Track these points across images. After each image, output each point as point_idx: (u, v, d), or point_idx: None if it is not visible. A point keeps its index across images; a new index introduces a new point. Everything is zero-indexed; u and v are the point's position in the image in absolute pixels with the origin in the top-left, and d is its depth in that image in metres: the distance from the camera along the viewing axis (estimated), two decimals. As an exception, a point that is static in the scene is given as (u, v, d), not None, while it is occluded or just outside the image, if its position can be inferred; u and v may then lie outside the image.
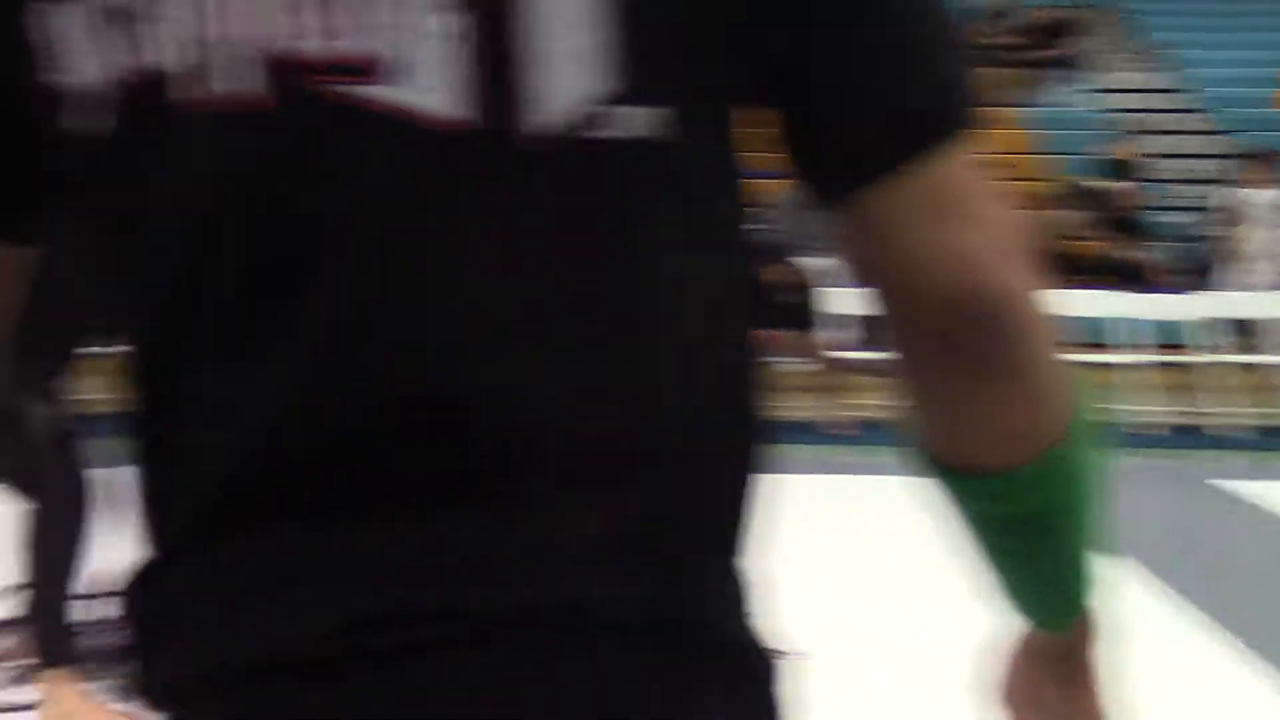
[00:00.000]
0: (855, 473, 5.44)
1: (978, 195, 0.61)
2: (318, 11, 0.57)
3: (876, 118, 0.61)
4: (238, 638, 0.60)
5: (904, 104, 0.61)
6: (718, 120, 0.61)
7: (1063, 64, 10.22)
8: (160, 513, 0.64)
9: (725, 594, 0.64)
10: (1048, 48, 10.21)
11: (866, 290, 0.64)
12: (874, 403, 6.40)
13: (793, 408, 6.55)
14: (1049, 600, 0.76)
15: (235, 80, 0.58)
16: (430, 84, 0.57)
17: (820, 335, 6.79)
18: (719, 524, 0.65)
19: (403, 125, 0.57)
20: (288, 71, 0.57)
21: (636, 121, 0.57)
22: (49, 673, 2.61)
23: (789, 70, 0.60)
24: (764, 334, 0.67)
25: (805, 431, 6.51)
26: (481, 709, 0.58)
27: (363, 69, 0.57)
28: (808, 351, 6.74)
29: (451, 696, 0.58)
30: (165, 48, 0.58)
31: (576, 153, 0.57)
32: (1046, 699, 0.80)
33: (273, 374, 0.59)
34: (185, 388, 0.61)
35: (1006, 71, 9.04)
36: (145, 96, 0.59)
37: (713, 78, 0.60)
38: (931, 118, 0.61)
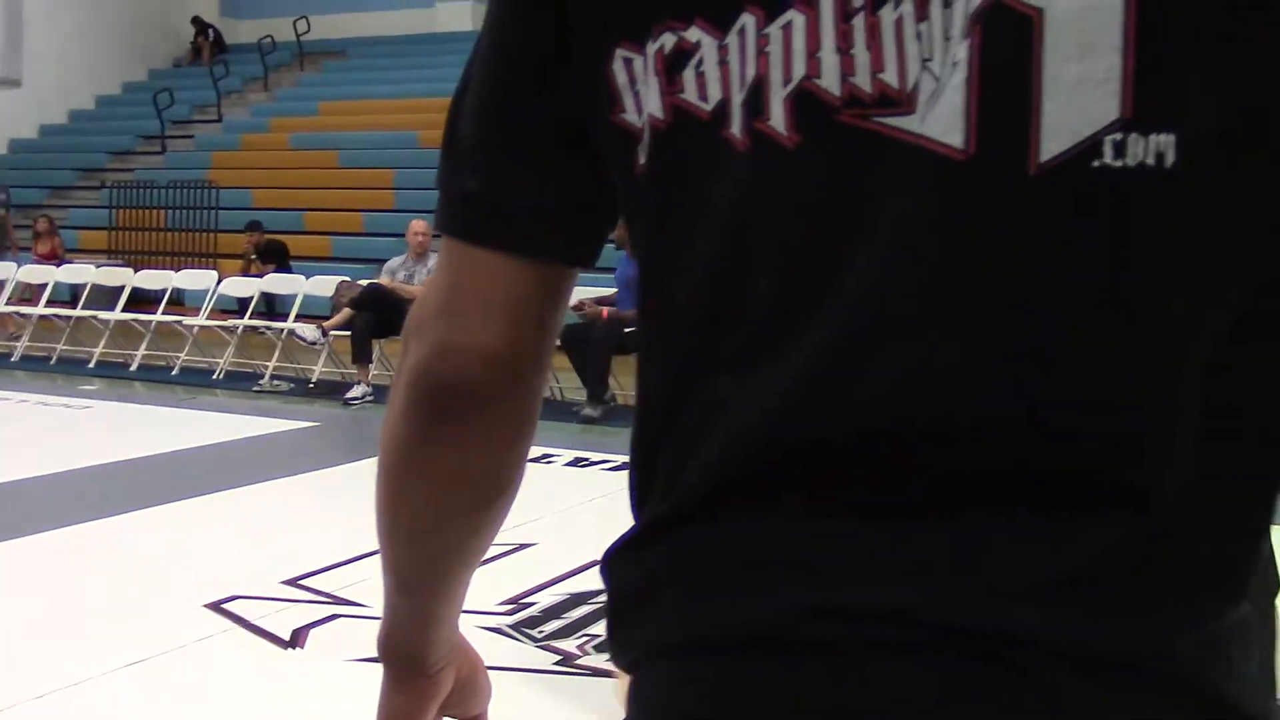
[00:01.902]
0: None
1: None
2: (852, 51, 0.60)
3: None
4: (706, 613, 0.65)
5: None
6: (1251, 143, 0.58)
7: None
8: (653, 493, 0.69)
9: (1214, 644, 0.61)
10: None
11: None
12: None
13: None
14: None
15: (768, 116, 0.62)
16: (946, 114, 0.58)
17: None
18: (1220, 571, 0.62)
19: (924, 154, 0.59)
20: (819, 107, 0.61)
21: (1146, 149, 0.56)
22: None
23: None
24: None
25: None
26: (905, 714, 0.60)
27: (899, 102, 0.59)
28: None
29: (878, 698, 0.60)
30: (706, 88, 0.64)
31: (1088, 182, 0.57)
32: None
33: (780, 380, 0.63)
34: (703, 387, 0.66)
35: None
36: (687, 133, 0.65)
37: (1248, 98, 0.57)
38: None
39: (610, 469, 5.77)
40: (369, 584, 3.78)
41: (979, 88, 0.57)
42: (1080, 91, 0.56)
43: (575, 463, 5.97)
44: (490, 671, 0.94)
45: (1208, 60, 0.56)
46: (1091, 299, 0.58)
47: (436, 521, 0.80)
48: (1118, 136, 0.56)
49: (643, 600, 0.69)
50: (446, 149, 0.76)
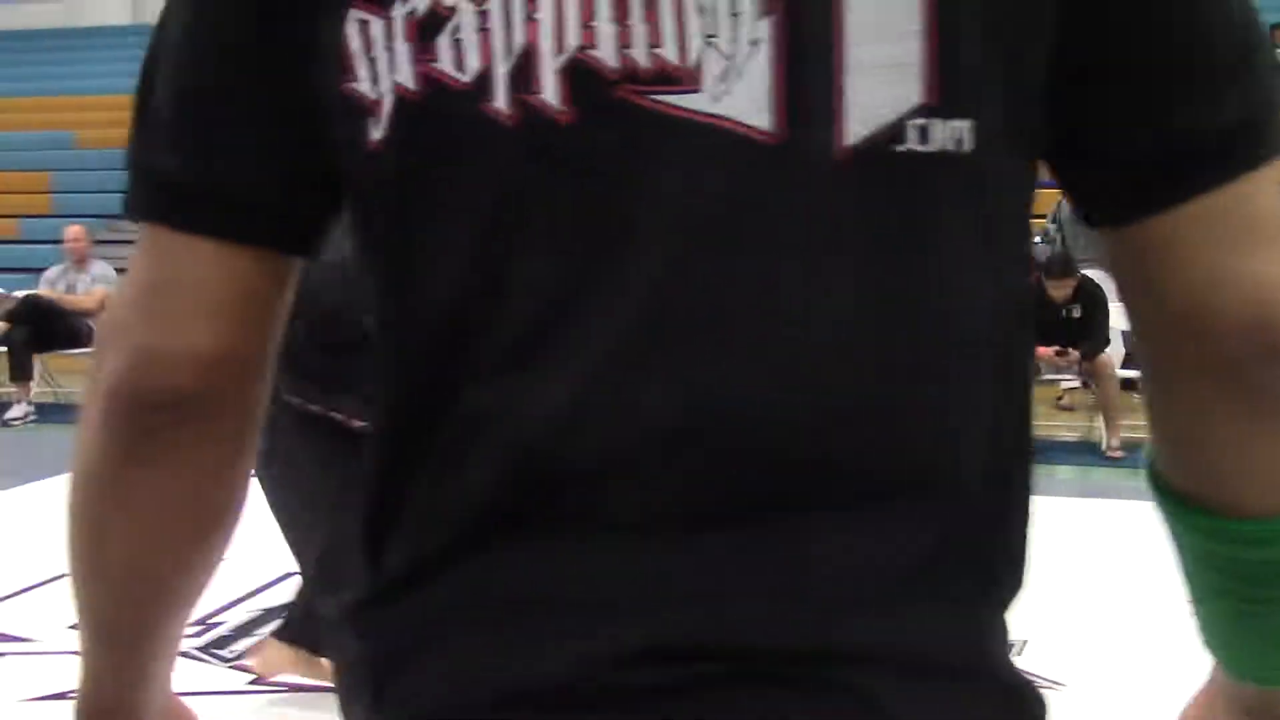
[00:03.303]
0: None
1: None
2: (629, 22, 0.56)
3: (1185, 137, 0.58)
4: (490, 667, 0.58)
5: (1216, 122, 0.58)
6: (1020, 133, 0.59)
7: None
8: (399, 529, 0.62)
9: (1004, 631, 0.62)
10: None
11: (1136, 316, 0.62)
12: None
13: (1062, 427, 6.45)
14: (1270, 653, 0.71)
15: (538, 90, 0.57)
16: (748, 96, 0.56)
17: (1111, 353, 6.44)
18: (1009, 555, 0.62)
19: (721, 136, 0.56)
20: (595, 82, 0.57)
21: (946, 134, 0.56)
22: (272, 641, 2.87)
23: (1088, 81, 0.59)
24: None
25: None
26: None
27: (680, 79, 0.56)
28: (1085, 370, 6.49)
29: None
30: (464, 56, 0.58)
31: (888, 166, 0.56)
32: None
33: (560, 387, 0.57)
34: (461, 400, 0.59)
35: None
36: (441, 105, 0.58)
37: (1020, 89, 0.58)
38: (1245, 138, 0.58)
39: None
40: (38, 617, 3.55)
41: (786, 68, 0.56)
42: (883, 75, 0.56)
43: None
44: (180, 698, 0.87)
45: (991, 51, 0.57)
46: (899, 287, 0.57)
47: (146, 559, 0.69)
48: (920, 121, 0.56)
49: (412, 659, 0.61)
50: (138, 124, 0.66)
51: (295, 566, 2.67)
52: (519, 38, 0.57)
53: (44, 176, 12.84)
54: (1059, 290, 6.45)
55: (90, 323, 7.24)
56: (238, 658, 3.32)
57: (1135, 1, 0.58)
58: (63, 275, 8.03)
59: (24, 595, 3.76)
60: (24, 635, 3.45)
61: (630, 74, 0.57)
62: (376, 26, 0.59)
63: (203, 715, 0.82)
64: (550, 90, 0.57)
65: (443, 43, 0.58)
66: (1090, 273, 7.05)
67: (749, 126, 0.56)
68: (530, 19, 0.57)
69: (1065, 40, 0.58)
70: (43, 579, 3.90)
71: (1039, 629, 3.60)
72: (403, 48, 0.59)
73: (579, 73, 0.57)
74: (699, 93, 0.56)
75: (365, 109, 0.60)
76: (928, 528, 0.59)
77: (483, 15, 0.57)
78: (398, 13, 0.59)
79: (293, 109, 0.62)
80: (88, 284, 7.80)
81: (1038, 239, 8.47)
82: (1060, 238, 8.27)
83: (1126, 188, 0.60)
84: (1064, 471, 6.30)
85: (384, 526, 0.63)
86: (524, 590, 0.59)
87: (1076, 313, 6.49)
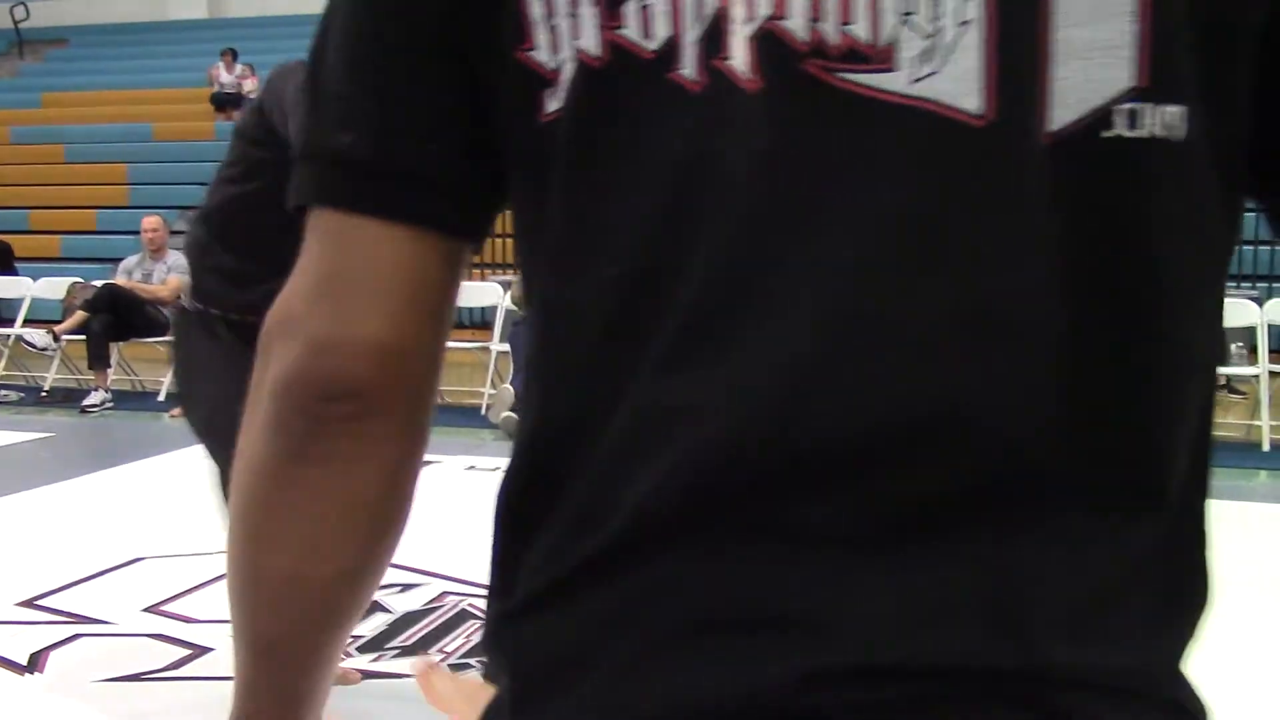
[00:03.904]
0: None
1: None
2: None
3: None
4: (661, 690, 0.54)
5: None
6: (1229, 122, 0.57)
7: None
8: (551, 531, 0.58)
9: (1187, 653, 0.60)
10: None
11: None
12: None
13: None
14: None
15: (727, 55, 0.55)
16: (952, 76, 0.53)
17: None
18: (1201, 572, 0.60)
19: (921, 118, 0.53)
20: (784, 52, 0.54)
21: (1159, 120, 0.54)
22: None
23: None
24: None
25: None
26: None
27: (870, 57, 0.54)
28: None
29: None
30: (652, 24, 0.56)
31: (1099, 151, 0.54)
32: None
33: (738, 379, 0.54)
34: (635, 392, 0.56)
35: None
36: (627, 73, 0.56)
37: (1232, 77, 0.56)
38: None
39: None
40: (114, 600, 3.61)
41: (996, 49, 0.53)
42: (1092, 57, 0.53)
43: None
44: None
45: (1204, 34, 0.55)
46: (1107, 284, 0.55)
47: (310, 567, 0.65)
48: (1130, 106, 0.54)
49: (569, 673, 0.56)
50: (310, 105, 0.63)
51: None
52: (711, 2, 0.55)
53: (121, 168, 13.06)
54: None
55: (166, 312, 7.35)
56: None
57: None
58: (139, 265, 8.16)
59: (100, 578, 3.83)
60: (100, 618, 3.52)
61: (818, 48, 0.54)
62: None
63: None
64: (740, 57, 0.55)
65: (629, 9, 0.56)
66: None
67: (953, 109, 0.54)
68: None
69: (1272, 29, 0.56)
70: (119, 562, 3.98)
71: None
72: (589, 12, 0.56)
73: (768, 41, 0.54)
74: (894, 72, 0.54)
75: (542, 78, 0.58)
76: (1136, 543, 0.56)
77: None
78: None
79: (466, 80, 0.60)
80: (163, 273, 7.91)
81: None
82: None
83: None
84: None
85: (527, 527, 0.59)
86: (699, 606, 0.54)
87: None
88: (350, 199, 0.61)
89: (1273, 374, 6.67)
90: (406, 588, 3.66)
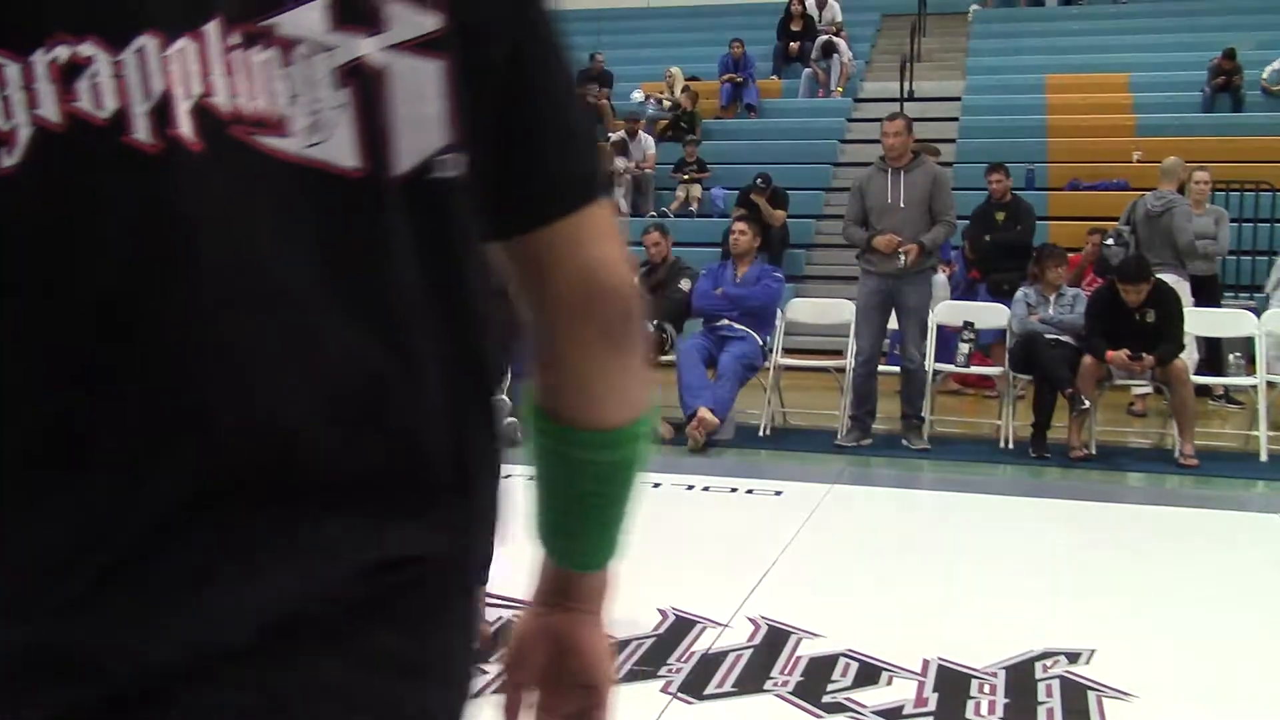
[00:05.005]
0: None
1: (612, 227, 0.90)
2: (238, 76, 0.74)
3: (567, 180, 0.88)
4: None
5: (581, 169, 0.89)
6: (484, 161, 0.83)
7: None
8: None
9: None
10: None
11: (530, 297, 0.90)
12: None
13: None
14: (596, 541, 1.00)
15: (182, 124, 0.72)
16: (342, 143, 0.76)
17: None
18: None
19: (316, 174, 0.75)
20: (218, 123, 0.73)
21: (456, 165, 0.80)
22: None
23: (510, 135, 0.84)
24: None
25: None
26: None
27: (268, 124, 0.75)
28: (1159, 375, 6.32)
29: None
30: (102, 97, 0.71)
31: (427, 189, 0.79)
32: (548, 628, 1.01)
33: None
34: None
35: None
36: (85, 137, 0.71)
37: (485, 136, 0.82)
38: (594, 178, 0.90)
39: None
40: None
41: (363, 123, 0.76)
42: (419, 126, 0.78)
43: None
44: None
45: (484, 100, 0.81)
46: (444, 284, 0.80)
47: None
48: (444, 157, 0.79)
49: None
50: None
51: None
52: (158, 84, 0.72)
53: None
54: (1133, 294, 6.27)
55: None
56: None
57: (516, 89, 0.83)
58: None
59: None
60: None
61: (238, 117, 0.74)
62: (10, 69, 0.70)
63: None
64: (186, 126, 0.72)
65: (82, 85, 0.71)
66: (1165, 277, 6.91)
67: (337, 166, 0.76)
68: (167, 70, 0.72)
69: (505, 105, 0.83)
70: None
71: (1109, 638, 3.56)
72: (48, 87, 0.70)
73: (204, 113, 0.73)
74: (290, 138, 0.75)
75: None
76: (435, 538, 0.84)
77: (117, 65, 0.71)
78: (40, 59, 0.70)
79: None
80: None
81: (1109, 240, 8.25)
82: (1133, 240, 8.08)
83: (525, 206, 0.87)
84: (1135, 479, 6.21)
85: None
86: None
87: (1150, 317, 6.28)
88: None
89: (1270, 384, 6.69)
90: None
